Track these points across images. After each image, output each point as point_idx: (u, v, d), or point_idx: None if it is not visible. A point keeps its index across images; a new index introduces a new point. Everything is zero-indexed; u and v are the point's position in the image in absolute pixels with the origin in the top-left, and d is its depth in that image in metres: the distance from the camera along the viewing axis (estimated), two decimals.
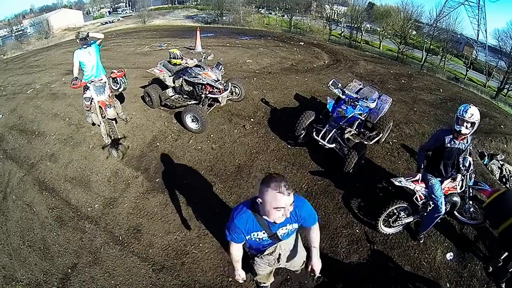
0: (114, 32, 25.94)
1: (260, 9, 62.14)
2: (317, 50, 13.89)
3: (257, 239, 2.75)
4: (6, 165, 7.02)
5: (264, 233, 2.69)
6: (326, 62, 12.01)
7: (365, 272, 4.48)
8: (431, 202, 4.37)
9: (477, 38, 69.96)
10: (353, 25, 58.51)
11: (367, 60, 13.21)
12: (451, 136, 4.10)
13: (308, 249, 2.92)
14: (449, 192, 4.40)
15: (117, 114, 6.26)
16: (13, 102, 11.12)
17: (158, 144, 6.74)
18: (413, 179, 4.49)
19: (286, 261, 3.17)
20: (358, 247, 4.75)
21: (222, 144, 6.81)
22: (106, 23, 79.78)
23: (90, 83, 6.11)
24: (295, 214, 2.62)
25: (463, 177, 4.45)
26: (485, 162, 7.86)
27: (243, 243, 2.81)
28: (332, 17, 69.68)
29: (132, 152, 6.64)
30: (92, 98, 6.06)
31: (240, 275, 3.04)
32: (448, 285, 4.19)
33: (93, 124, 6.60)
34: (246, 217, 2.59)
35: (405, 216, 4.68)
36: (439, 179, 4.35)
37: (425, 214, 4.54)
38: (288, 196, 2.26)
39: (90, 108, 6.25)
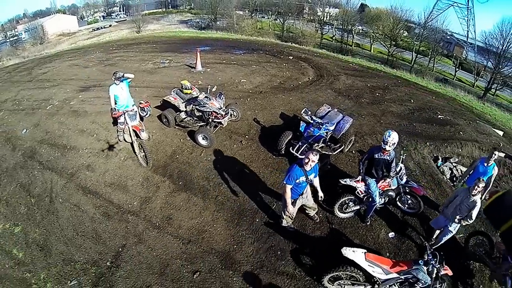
0: (115, 44, 27.37)
1: (253, 14, 63.45)
2: (304, 65, 15.70)
3: (300, 182, 5.49)
4: (46, 175, 8.67)
5: (304, 177, 5.45)
6: (310, 78, 13.80)
7: (326, 243, 6.47)
8: (368, 196, 6.33)
9: (467, 39, 72.21)
10: (345, 27, 59.98)
11: (348, 74, 15.03)
12: (380, 151, 5.90)
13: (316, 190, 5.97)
14: (385, 188, 6.26)
15: (148, 135, 8.07)
16: (34, 117, 12.69)
17: (177, 156, 8.68)
18: (355, 180, 6.45)
19: (307, 198, 6.10)
20: (321, 226, 6.75)
21: (225, 156, 8.83)
22: (98, 28, 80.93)
23: (124, 113, 7.80)
24: (313, 169, 5.51)
25: (392, 178, 6.26)
26: (438, 165, 9.62)
27: (291, 186, 5.45)
28: (324, 19, 71.42)
29: (158, 162, 8.54)
30: (127, 123, 7.79)
31: (290, 208, 5.71)
32: (388, 254, 5.97)
33: (124, 141, 8.35)
34: (298, 168, 5.38)
35: (353, 205, 6.72)
36: (374, 179, 6.22)
37: (367, 204, 6.50)
38: (315, 156, 5.20)
39: (123, 130, 8.00)
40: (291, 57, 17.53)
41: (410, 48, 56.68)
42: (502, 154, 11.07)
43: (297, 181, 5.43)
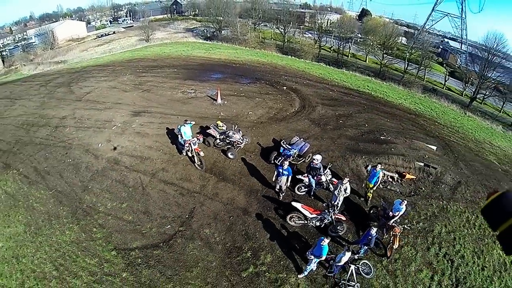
0: (139, 65, 34.02)
1: (256, 26, 69.83)
2: (293, 96, 22.47)
3: (279, 173, 12.85)
4: (134, 174, 15.34)
5: (280, 172, 12.87)
6: (296, 109, 20.54)
7: (289, 203, 12.80)
8: (309, 183, 12.96)
9: (461, 47, 78.82)
10: (343, 35, 65.49)
11: (324, 104, 21.73)
12: (312, 163, 12.63)
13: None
14: (320, 181, 12.89)
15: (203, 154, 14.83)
16: (104, 135, 19.30)
17: (217, 164, 15.47)
18: (304, 176, 13.24)
19: (281, 181, 13.05)
20: (288, 197, 13.54)
21: (242, 163, 15.64)
22: (102, 35, 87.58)
23: (190, 141, 14.48)
24: (286, 169, 12.81)
25: (321, 175, 12.95)
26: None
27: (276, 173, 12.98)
28: (324, 26, 77.70)
29: (207, 167, 15.21)
30: (191, 145, 14.45)
31: (274, 179, 13.39)
32: (314, 208, 12.65)
33: (187, 155, 15.14)
34: (279, 168, 12.99)
35: (304, 188, 13.55)
36: (311, 176, 12.85)
37: (310, 187, 13.15)
38: (287, 163, 13.03)
39: (188, 149, 14.71)
40: (285, 88, 24.33)
41: (403, 57, 61.74)
42: (422, 163, 17.69)
43: (279, 172, 12.27)
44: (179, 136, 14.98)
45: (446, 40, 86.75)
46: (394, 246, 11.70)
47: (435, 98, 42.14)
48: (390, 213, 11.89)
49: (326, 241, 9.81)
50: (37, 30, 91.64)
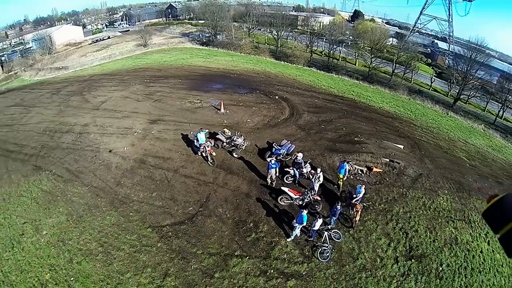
0: (146, 75, 38.88)
1: (250, 31, 74.74)
2: (283, 105, 27.53)
3: (270, 166, 18.33)
4: (159, 171, 20.22)
5: (271, 166, 18.32)
6: (286, 116, 25.57)
7: (279, 188, 17.89)
8: (294, 174, 18.10)
9: (449, 49, 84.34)
10: (335, 38, 70.18)
11: (310, 111, 26.78)
12: (296, 158, 17.71)
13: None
14: (302, 172, 18.00)
15: (215, 154, 19.82)
16: (127, 140, 24.13)
17: (225, 161, 20.48)
18: (290, 168, 18.37)
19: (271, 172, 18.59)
20: (277, 184, 18.52)
21: (244, 160, 20.67)
22: (97, 40, 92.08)
23: (204, 144, 19.45)
24: (274, 164, 18.50)
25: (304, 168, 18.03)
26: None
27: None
28: (317, 29, 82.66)
29: (218, 164, 20.26)
30: (205, 147, 19.40)
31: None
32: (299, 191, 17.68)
33: (201, 156, 20.09)
34: (270, 163, 18.35)
35: (290, 177, 18.64)
36: (296, 170, 17.90)
37: (294, 177, 18.25)
38: (273, 160, 18.89)
39: (203, 151, 19.68)
40: (277, 97, 29.40)
41: (392, 60, 66.32)
42: (387, 159, 22.70)
43: (269, 165, 17.38)
44: (194, 140, 19.92)
45: (435, 41, 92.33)
46: (356, 219, 16.67)
47: (420, 99, 47.05)
48: (354, 195, 16.91)
49: (305, 212, 14.78)
50: (34, 34, 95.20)
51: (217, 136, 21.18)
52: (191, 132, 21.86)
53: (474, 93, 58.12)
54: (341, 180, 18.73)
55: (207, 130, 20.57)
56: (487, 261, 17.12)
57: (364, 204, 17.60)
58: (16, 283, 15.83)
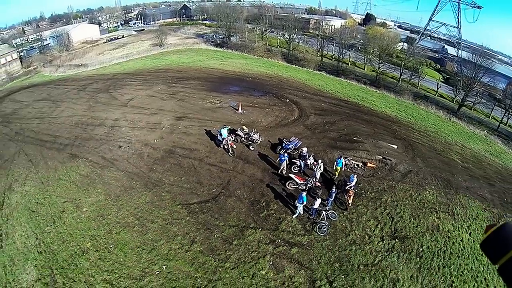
0: (168, 76, 43.66)
1: (263, 34, 79.09)
2: (293, 107, 32.02)
3: (281, 159, 23.11)
4: (186, 160, 24.83)
5: (282, 158, 23.09)
6: (295, 117, 30.05)
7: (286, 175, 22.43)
8: (300, 165, 22.61)
9: (457, 55, 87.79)
10: (344, 41, 73.28)
11: (316, 114, 31.20)
12: (302, 151, 22.27)
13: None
14: (306, 163, 22.45)
15: (235, 146, 24.46)
16: (156, 134, 28.80)
17: (243, 153, 25.15)
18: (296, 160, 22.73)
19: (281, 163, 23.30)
20: (286, 173, 22.86)
21: (259, 154, 25.24)
22: (112, 39, 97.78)
23: (227, 138, 24.14)
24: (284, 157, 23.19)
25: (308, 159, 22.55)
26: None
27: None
28: (328, 32, 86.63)
29: (237, 155, 24.93)
30: (228, 141, 24.07)
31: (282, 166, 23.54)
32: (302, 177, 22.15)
33: (223, 148, 24.83)
34: (281, 156, 23.16)
35: (297, 167, 23.01)
36: (302, 161, 22.48)
37: (300, 167, 22.76)
38: (285, 153, 23.82)
39: (225, 144, 24.35)
40: (287, 100, 33.93)
41: (400, 65, 69.23)
42: (380, 157, 26.99)
43: (281, 158, 21.93)
44: (218, 135, 24.56)
45: (445, 47, 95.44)
46: (349, 202, 21.01)
47: (424, 105, 50.45)
48: (347, 182, 21.31)
49: (304, 193, 19.24)
50: (52, 31, 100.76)
51: (237, 132, 25.78)
52: (213, 128, 26.45)
53: (480, 99, 59.66)
54: (338, 172, 23.13)
55: (229, 127, 25.15)
56: (467, 249, 20.09)
57: (357, 191, 21.94)
58: (58, 251, 19.15)
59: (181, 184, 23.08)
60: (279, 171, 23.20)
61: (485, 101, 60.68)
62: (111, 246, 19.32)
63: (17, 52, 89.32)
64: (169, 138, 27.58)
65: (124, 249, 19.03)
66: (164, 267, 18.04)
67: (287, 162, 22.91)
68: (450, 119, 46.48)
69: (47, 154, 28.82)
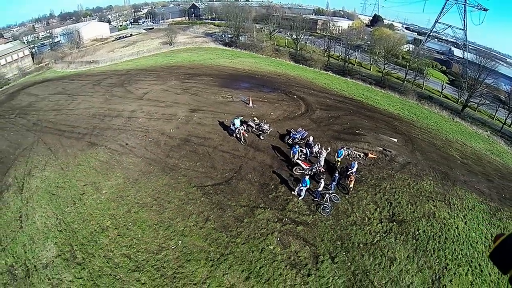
0: (180, 73, 46.36)
1: (271, 34, 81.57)
2: (300, 103, 34.55)
3: (294, 151, 25.11)
4: (201, 147, 27.37)
5: (294, 150, 25.13)
6: (302, 111, 32.54)
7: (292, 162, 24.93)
8: (306, 153, 25.10)
9: (463, 57, 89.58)
10: (351, 42, 75.44)
11: (322, 109, 33.69)
12: (308, 140, 24.83)
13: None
14: (311, 151, 24.95)
15: (247, 135, 27.07)
16: (172, 124, 31.38)
17: (254, 142, 27.75)
18: (302, 148, 25.22)
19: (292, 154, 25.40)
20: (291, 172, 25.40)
21: (268, 143, 27.84)
22: (120, 37, 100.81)
23: (239, 128, 26.84)
24: (295, 148, 25.10)
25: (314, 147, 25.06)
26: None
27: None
28: (335, 33, 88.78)
29: (248, 143, 27.53)
30: (240, 130, 26.71)
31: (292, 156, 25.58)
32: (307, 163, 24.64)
33: (236, 137, 27.47)
34: (294, 147, 25.15)
35: (303, 155, 25.31)
36: (308, 149, 25.02)
37: (306, 155, 25.22)
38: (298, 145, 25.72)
39: (237, 133, 27.02)
40: (295, 96, 36.47)
41: (405, 66, 70.54)
42: (380, 148, 29.35)
43: (293, 149, 24.37)
44: (231, 125, 27.10)
45: (452, 49, 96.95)
46: (350, 186, 23.38)
47: (428, 105, 52.20)
48: (349, 168, 23.71)
49: (307, 177, 21.72)
50: (63, 29, 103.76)
51: (248, 123, 28.30)
52: (226, 120, 29.00)
53: (484, 101, 60.69)
54: (339, 160, 25.54)
55: (241, 117, 27.63)
56: (462, 236, 21.74)
57: (358, 177, 24.31)
58: (78, 229, 21.01)
59: (196, 169, 25.49)
60: (294, 160, 25.25)
61: (489, 102, 61.41)
62: (130, 224, 21.23)
63: (29, 48, 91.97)
64: (185, 128, 30.10)
65: (142, 227, 21.00)
66: (180, 242, 19.94)
67: (299, 152, 25.12)
68: (453, 119, 47.61)
69: (66, 142, 31.07)
